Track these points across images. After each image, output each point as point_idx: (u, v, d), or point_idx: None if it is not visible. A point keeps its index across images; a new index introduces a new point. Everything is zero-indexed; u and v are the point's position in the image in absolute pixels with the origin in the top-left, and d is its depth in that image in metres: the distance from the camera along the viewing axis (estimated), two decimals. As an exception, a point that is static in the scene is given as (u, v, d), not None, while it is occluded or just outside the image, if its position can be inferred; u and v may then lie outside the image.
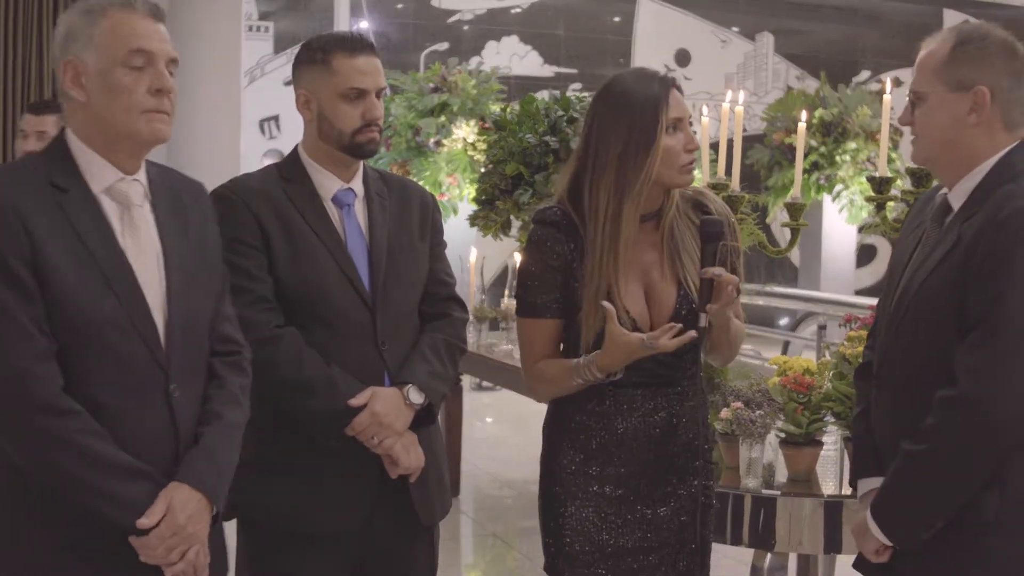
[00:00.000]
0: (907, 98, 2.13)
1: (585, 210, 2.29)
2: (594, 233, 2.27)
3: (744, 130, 3.33)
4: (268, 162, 2.61)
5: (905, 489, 2.07)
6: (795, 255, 11.30)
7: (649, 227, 2.34)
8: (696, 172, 2.38)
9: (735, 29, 12.54)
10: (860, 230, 10.54)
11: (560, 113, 5.72)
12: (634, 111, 2.24)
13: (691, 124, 2.32)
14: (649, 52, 11.99)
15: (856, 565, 2.22)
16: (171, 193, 2.07)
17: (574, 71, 11.73)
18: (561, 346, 2.38)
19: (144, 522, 1.89)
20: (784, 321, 8.96)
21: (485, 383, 8.58)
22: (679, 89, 2.30)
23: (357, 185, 2.52)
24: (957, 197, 2.09)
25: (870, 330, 2.35)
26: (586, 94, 5.89)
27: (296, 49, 2.54)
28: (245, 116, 8.46)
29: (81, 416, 1.86)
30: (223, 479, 2.04)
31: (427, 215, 2.60)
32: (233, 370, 2.13)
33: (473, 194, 6.62)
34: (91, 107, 1.95)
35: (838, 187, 9.52)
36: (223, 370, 2.11)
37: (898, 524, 2.09)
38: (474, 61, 11.09)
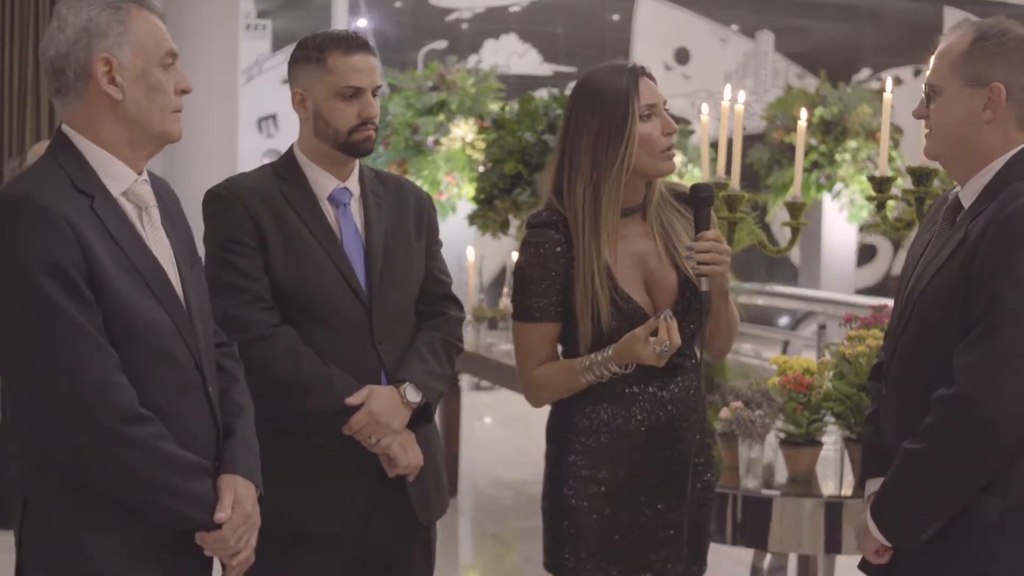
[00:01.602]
0: (922, 91, 2.11)
1: (568, 204, 2.32)
2: (577, 226, 2.30)
3: (744, 129, 3.31)
4: (268, 161, 2.60)
5: (903, 489, 2.06)
6: (795, 254, 11.30)
7: (637, 219, 2.37)
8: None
9: (735, 27, 12.53)
10: (860, 229, 10.54)
11: (559, 112, 5.72)
12: (605, 102, 2.28)
13: (667, 109, 2.34)
14: (648, 50, 11.97)
15: (861, 566, 2.21)
16: (158, 190, 2.06)
17: (573, 69, 11.71)
18: (559, 348, 2.38)
19: (221, 516, 1.94)
20: (784, 320, 8.95)
21: (484, 383, 8.57)
22: (651, 77, 2.34)
23: (353, 184, 2.51)
24: (968, 195, 2.08)
25: (887, 330, 2.33)
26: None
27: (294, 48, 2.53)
28: (243, 115, 8.45)
29: (156, 423, 1.89)
30: (259, 466, 2.09)
31: (423, 214, 2.60)
32: (235, 362, 2.19)
33: (472, 193, 6.62)
34: (125, 106, 1.92)
35: (838, 186, 9.51)
36: (228, 363, 2.16)
37: (895, 524, 2.08)
38: (472, 59, 11.08)
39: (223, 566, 2.01)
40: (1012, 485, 1.97)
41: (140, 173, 1.98)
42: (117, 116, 1.93)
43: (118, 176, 1.94)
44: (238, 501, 1.97)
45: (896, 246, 12.06)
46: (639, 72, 2.31)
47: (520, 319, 2.36)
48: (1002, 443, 1.95)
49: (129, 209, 1.95)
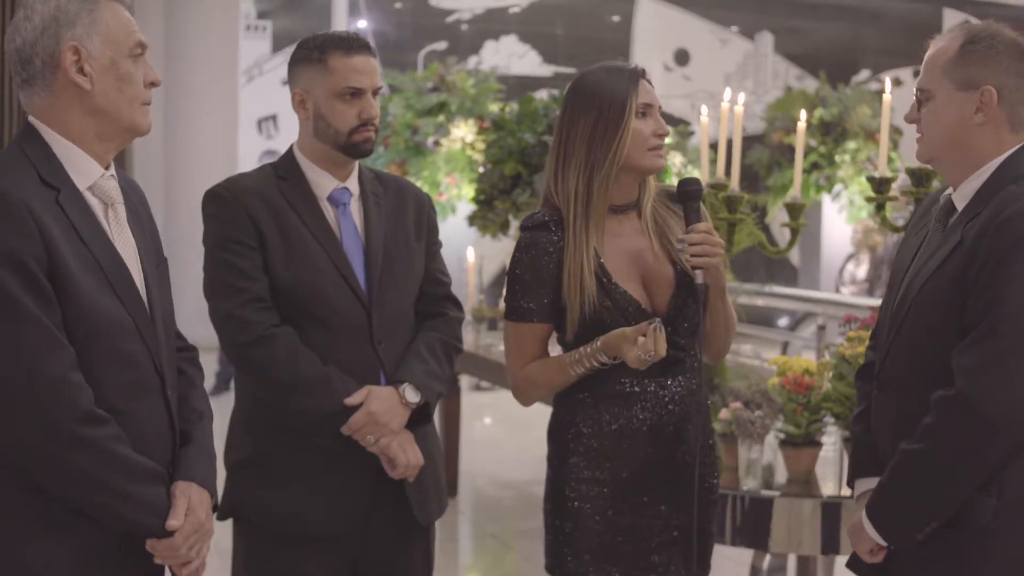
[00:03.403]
0: (914, 95, 2.13)
1: (562, 195, 2.34)
2: (568, 215, 2.31)
3: (743, 130, 3.32)
4: (267, 162, 2.60)
5: (901, 489, 2.07)
6: (795, 255, 11.31)
7: (632, 217, 2.38)
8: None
9: (734, 28, 12.54)
10: (860, 230, 10.53)
11: (559, 112, 5.71)
12: (603, 97, 2.31)
13: (661, 112, 2.37)
14: (648, 51, 11.99)
15: (850, 565, 2.22)
16: (125, 187, 2.02)
17: (573, 70, 11.72)
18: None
19: (174, 523, 1.90)
20: (783, 321, 8.95)
21: (483, 383, 8.58)
22: (649, 81, 2.36)
23: (353, 184, 2.51)
24: (961, 197, 2.09)
25: (872, 330, 2.34)
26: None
27: (294, 48, 2.53)
28: (243, 115, 8.46)
29: (112, 424, 1.84)
30: (215, 475, 2.05)
31: (422, 214, 2.60)
32: (196, 367, 2.15)
33: (472, 194, 6.62)
34: (94, 96, 1.88)
35: (838, 187, 9.52)
36: (189, 368, 2.13)
37: (893, 524, 2.09)
38: (472, 60, 11.09)
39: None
40: (1006, 485, 1.98)
41: (107, 167, 1.94)
42: (85, 107, 1.89)
43: (85, 170, 1.90)
44: (191, 509, 1.93)
45: (896, 247, 12.07)
46: (639, 73, 2.35)
47: (512, 319, 2.36)
48: (1003, 444, 1.96)
49: (95, 204, 1.91)
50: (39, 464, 1.81)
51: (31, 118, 1.92)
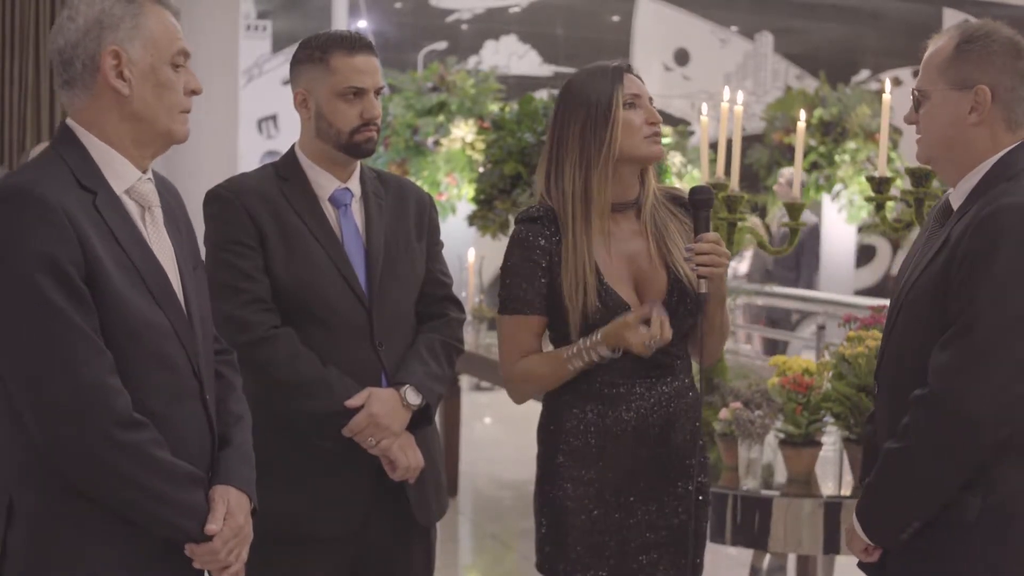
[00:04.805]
0: (912, 96, 2.13)
1: (557, 196, 2.34)
2: (566, 216, 2.32)
3: (743, 129, 3.32)
4: (268, 162, 2.61)
5: (884, 489, 2.07)
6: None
7: (630, 216, 2.38)
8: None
9: (734, 28, 12.52)
10: (859, 230, 10.54)
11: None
12: (591, 94, 2.32)
13: (651, 102, 2.38)
14: (648, 51, 11.97)
15: (860, 565, 2.22)
16: (161, 190, 2.01)
17: (573, 70, 11.72)
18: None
19: (213, 527, 1.88)
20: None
21: (484, 383, 8.57)
22: (636, 75, 2.37)
23: (354, 185, 2.52)
24: (957, 197, 2.09)
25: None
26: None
27: (294, 48, 2.53)
28: (243, 116, 8.44)
29: (150, 428, 1.84)
30: (254, 478, 2.05)
31: (424, 215, 2.60)
32: (234, 370, 2.15)
33: (472, 194, 6.62)
34: (132, 101, 1.87)
35: (837, 187, 9.51)
36: (226, 370, 2.12)
37: (876, 523, 2.09)
38: (472, 60, 11.09)
39: None
40: (994, 485, 1.97)
41: (145, 172, 1.94)
42: (123, 112, 1.88)
43: (122, 173, 1.89)
44: (230, 513, 1.92)
45: (895, 247, 12.06)
46: (623, 68, 2.36)
47: (506, 312, 2.36)
48: (977, 442, 1.94)
49: (132, 208, 1.90)
50: (79, 469, 1.80)
51: (68, 120, 1.91)
